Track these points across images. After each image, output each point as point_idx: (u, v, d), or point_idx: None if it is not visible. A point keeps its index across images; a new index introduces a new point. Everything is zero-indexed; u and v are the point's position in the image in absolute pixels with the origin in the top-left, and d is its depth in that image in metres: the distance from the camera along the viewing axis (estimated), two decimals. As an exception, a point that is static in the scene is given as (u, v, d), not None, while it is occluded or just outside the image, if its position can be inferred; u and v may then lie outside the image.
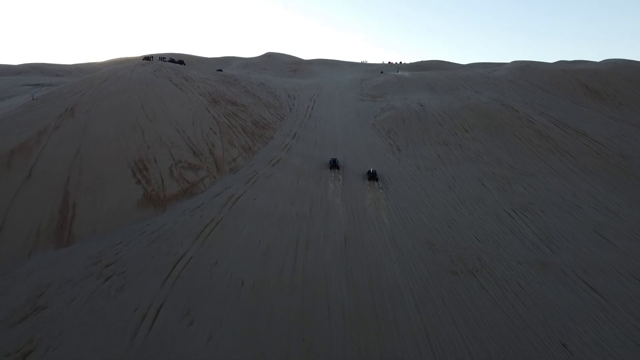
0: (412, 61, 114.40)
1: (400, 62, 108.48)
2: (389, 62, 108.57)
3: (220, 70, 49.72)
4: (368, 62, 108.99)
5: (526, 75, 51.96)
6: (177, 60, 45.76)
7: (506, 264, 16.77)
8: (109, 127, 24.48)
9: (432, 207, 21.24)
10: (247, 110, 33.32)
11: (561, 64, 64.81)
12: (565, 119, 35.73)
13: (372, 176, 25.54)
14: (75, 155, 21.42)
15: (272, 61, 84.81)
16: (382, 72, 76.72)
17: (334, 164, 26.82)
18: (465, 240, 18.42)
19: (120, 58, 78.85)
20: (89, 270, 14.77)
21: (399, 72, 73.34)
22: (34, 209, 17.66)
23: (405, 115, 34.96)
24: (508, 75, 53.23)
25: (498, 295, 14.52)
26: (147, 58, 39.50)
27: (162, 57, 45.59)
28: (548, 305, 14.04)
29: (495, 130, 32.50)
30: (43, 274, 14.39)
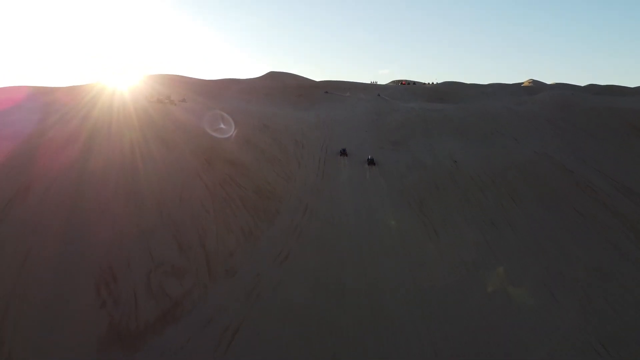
0: (431, 81, 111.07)
1: (413, 83, 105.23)
2: (401, 83, 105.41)
3: (183, 100, 46.09)
4: (378, 82, 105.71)
5: (566, 114, 48.12)
6: (168, 101, 41.32)
7: None
8: (70, 214, 20.21)
9: (495, 346, 16.72)
10: (248, 172, 29.17)
11: (597, 96, 61.17)
12: (629, 182, 31.53)
13: (371, 162, 35.18)
14: (21, 265, 17.08)
15: (276, 84, 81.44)
16: (326, 92, 73.46)
17: (343, 153, 37.37)
18: (555, 417, 13.87)
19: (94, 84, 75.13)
20: None
21: (381, 96, 71.03)
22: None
23: (438, 177, 30.77)
24: (545, 113, 49.40)
25: None
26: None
27: (149, 97, 41.26)
28: None
29: (551, 202, 28.23)
30: None
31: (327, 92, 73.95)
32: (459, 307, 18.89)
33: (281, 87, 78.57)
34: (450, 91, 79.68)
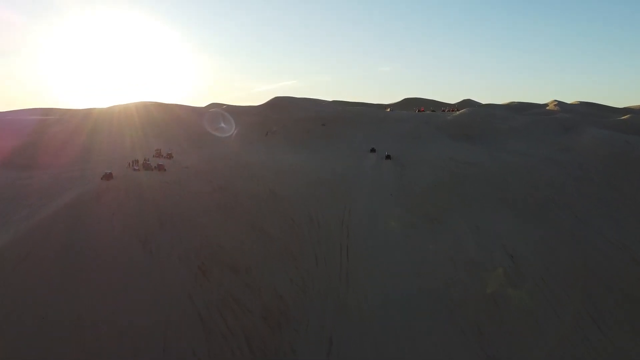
0: (450, 102, 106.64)
1: (443, 110, 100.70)
2: (419, 110, 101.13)
3: (170, 156, 41.53)
4: (392, 104, 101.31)
5: (628, 172, 43.31)
6: (156, 165, 36.21)
7: None
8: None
9: None
10: (254, 281, 24.31)
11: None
12: None
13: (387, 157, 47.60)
14: None
15: (281, 114, 76.87)
16: (267, 134, 66.32)
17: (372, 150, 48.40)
18: None
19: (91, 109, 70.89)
20: None
21: (325, 125, 69.73)
22: None
23: (494, 284, 25.73)
24: (601, 170, 44.69)
25: None
26: (108, 175, 30.43)
27: (133, 162, 36.04)
28: None
29: (644, 326, 23.12)
30: None
31: (267, 133, 65.49)
32: None
33: (285, 119, 73.98)
34: (476, 125, 74.68)
